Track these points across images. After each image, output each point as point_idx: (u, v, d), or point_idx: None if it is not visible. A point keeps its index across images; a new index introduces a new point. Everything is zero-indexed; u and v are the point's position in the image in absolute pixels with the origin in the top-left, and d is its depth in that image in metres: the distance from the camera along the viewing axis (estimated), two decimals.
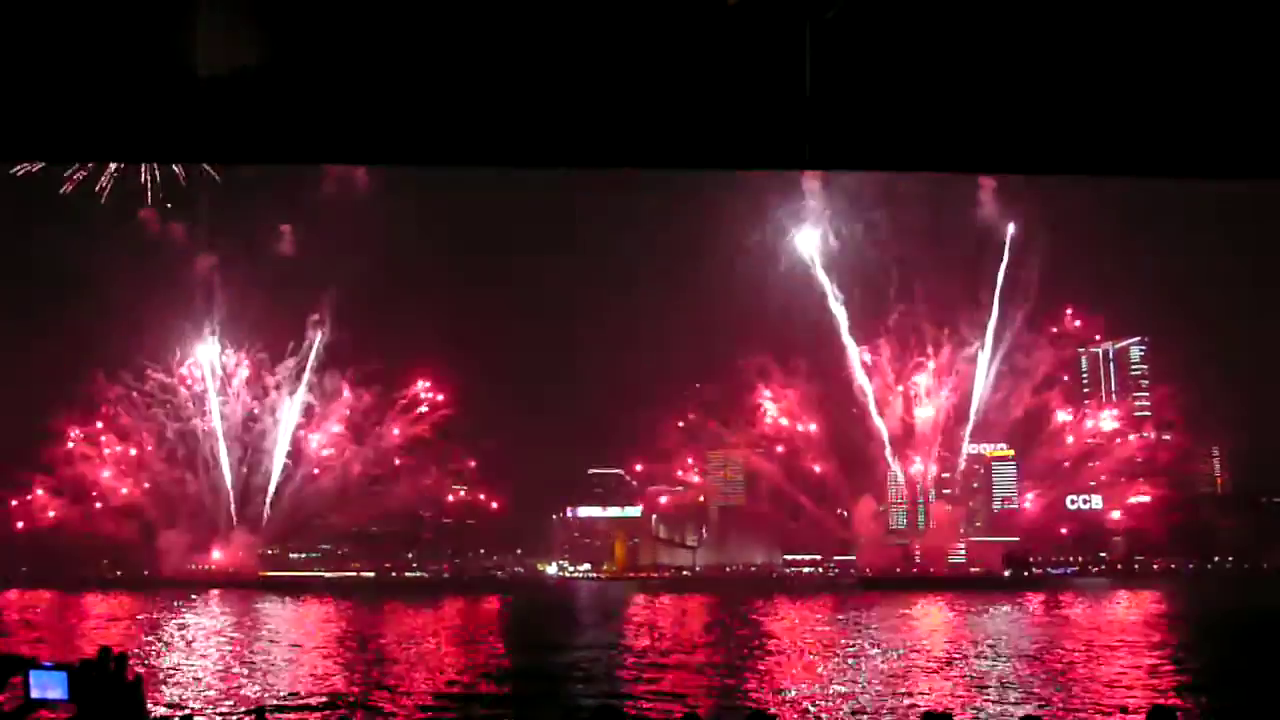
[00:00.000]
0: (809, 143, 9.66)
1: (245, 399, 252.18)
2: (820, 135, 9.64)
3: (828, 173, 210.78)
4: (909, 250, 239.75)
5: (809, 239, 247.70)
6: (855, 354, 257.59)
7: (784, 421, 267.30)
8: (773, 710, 38.74)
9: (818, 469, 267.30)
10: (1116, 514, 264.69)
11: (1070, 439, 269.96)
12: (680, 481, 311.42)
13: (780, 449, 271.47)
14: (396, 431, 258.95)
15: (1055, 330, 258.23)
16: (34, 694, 10.29)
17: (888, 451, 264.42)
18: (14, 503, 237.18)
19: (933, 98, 9.96)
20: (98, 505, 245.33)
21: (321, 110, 9.81)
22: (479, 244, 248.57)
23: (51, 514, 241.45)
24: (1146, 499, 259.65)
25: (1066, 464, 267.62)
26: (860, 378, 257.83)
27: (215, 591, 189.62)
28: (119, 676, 10.24)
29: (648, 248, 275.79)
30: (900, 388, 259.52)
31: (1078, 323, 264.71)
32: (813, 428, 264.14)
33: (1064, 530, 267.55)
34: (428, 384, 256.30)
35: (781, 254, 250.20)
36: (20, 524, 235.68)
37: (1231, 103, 10.04)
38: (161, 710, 36.23)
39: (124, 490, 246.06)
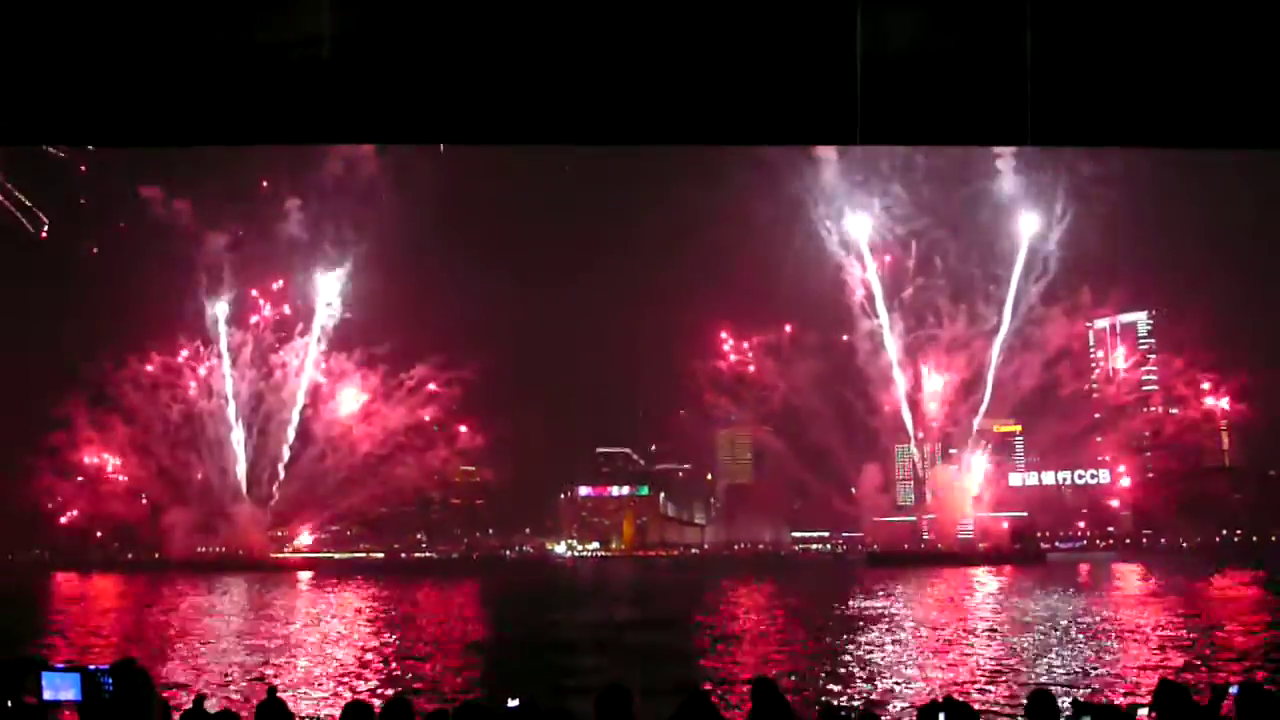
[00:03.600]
0: (859, 117, 9.48)
1: (252, 379, 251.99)
2: (870, 110, 9.47)
3: (846, 146, 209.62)
4: (929, 224, 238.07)
5: (824, 213, 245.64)
6: (875, 326, 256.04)
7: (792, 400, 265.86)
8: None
9: (825, 446, 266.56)
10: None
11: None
12: (689, 459, 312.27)
13: (788, 426, 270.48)
14: (404, 412, 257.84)
15: (1070, 304, 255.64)
16: (46, 695, 10.16)
17: (903, 422, 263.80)
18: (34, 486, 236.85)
19: (978, 73, 9.80)
20: (105, 488, 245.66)
21: (347, 90, 9.62)
22: (485, 220, 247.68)
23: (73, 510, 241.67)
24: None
25: (1074, 438, 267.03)
26: (871, 351, 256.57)
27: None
28: (134, 685, 10.09)
29: (658, 222, 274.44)
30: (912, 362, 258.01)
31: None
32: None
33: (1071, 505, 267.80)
34: (436, 365, 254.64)
35: (795, 228, 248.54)
36: (32, 508, 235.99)
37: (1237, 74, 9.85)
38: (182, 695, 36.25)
39: (129, 473, 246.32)
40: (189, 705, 11.73)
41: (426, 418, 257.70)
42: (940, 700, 10.73)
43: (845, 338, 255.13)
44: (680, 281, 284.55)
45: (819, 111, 9.63)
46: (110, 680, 10.01)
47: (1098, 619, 72.06)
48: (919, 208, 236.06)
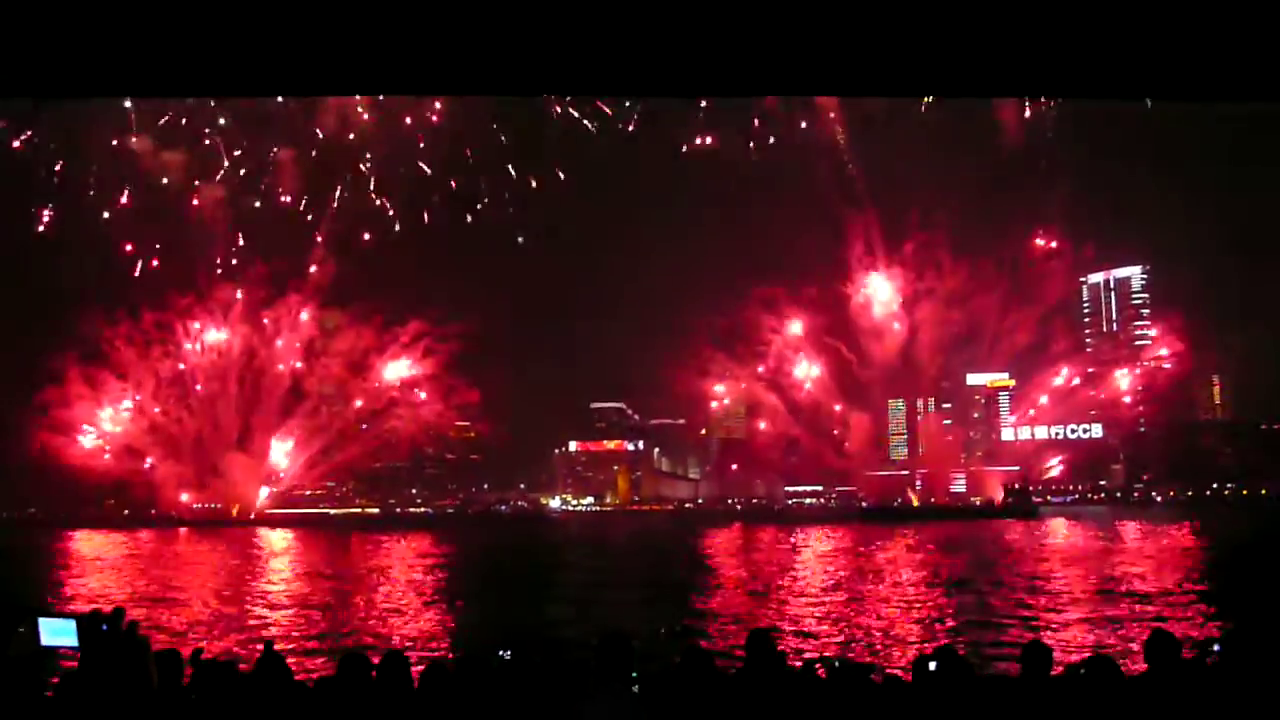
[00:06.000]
0: (862, 67, 9.38)
1: (245, 334, 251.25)
2: (874, 60, 9.36)
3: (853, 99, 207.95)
4: (933, 178, 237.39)
5: (825, 164, 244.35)
6: (873, 279, 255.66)
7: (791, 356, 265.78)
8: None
9: (818, 400, 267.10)
10: None
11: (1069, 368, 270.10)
12: (682, 414, 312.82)
13: (782, 380, 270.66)
14: (407, 363, 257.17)
15: (1069, 259, 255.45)
16: (44, 642, 10.23)
17: (896, 375, 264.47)
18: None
19: (943, 20, 9.67)
20: (100, 445, 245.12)
21: (317, 39, 9.49)
22: (484, 173, 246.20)
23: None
24: None
25: (1066, 392, 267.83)
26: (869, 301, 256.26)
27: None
28: (128, 634, 10.15)
29: (653, 176, 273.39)
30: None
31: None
32: (815, 370, 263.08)
33: (1064, 459, 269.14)
34: (430, 320, 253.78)
35: (796, 180, 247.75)
36: (24, 465, 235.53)
37: (1235, 23, 9.75)
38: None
39: (121, 429, 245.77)
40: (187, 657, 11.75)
41: (421, 372, 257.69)
42: (933, 650, 10.79)
43: (843, 291, 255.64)
44: (676, 235, 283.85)
45: (818, 61, 9.53)
46: (106, 626, 10.09)
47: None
48: (923, 160, 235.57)
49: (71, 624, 10.21)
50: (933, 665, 10.33)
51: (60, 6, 8.79)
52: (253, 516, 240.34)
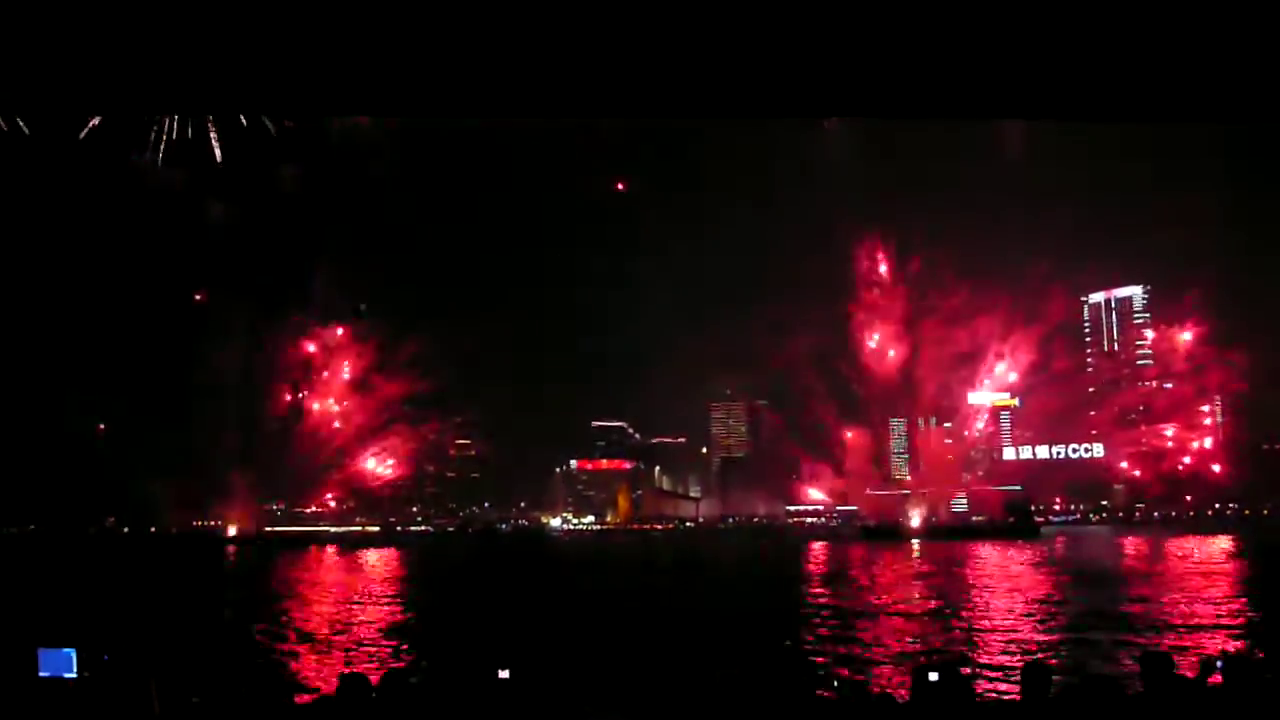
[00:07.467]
0: (835, 92, 9.44)
1: (245, 352, 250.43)
2: (846, 84, 9.42)
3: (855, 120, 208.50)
4: (937, 198, 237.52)
5: (828, 184, 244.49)
6: (875, 297, 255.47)
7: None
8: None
9: (820, 419, 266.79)
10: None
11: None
12: (684, 432, 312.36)
13: (783, 399, 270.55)
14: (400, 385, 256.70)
15: (1071, 279, 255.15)
16: (43, 673, 10.05)
17: (897, 394, 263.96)
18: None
19: (955, 46, 9.73)
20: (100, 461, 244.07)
21: (325, 61, 9.55)
22: (480, 188, 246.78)
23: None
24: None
25: (1068, 412, 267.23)
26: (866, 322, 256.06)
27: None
28: (129, 662, 10.12)
29: (654, 193, 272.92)
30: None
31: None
32: (817, 388, 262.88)
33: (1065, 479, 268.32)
34: (431, 338, 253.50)
35: (798, 199, 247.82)
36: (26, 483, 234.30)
37: (1235, 46, 9.83)
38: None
39: (122, 447, 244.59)
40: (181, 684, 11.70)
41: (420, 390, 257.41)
42: (933, 663, 10.79)
43: (844, 310, 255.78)
44: (678, 252, 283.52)
45: (820, 84, 9.60)
46: (107, 656, 10.01)
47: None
48: (926, 180, 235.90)
49: (71, 654, 10.04)
50: (933, 676, 10.34)
51: (61, 23, 8.86)
52: (251, 534, 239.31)
